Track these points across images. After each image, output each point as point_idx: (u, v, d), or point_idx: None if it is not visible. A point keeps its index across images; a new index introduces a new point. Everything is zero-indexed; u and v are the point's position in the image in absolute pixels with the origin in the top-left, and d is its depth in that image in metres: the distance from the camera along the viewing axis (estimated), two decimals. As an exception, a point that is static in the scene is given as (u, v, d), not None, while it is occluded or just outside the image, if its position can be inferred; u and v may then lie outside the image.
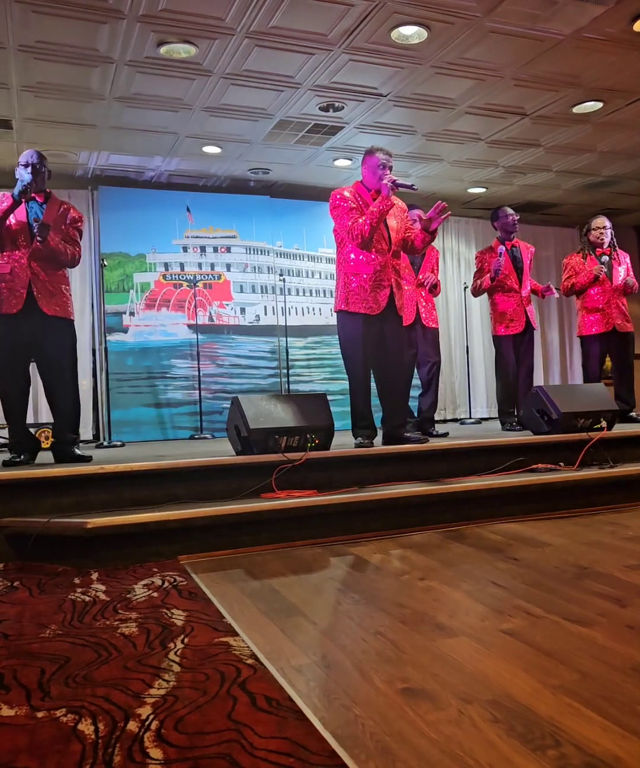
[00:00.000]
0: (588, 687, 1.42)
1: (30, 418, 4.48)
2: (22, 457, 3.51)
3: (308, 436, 3.42)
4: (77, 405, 3.67)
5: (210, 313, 6.73)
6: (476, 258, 5.35)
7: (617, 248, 5.39)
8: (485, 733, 1.25)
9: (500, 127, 5.65)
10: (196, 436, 6.17)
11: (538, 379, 7.67)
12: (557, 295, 5.46)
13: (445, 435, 4.64)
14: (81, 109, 5.03)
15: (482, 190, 7.29)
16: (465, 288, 6.79)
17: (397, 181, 3.61)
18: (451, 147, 6.07)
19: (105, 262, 5.83)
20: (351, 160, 6.28)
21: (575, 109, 5.36)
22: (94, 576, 2.55)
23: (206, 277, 6.75)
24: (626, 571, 2.29)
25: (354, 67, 4.60)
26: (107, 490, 3.04)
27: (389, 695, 1.42)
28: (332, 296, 6.06)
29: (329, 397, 3.71)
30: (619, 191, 7.47)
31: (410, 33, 4.19)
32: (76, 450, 3.60)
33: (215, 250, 6.80)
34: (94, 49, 4.23)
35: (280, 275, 6.86)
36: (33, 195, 3.57)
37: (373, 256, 3.68)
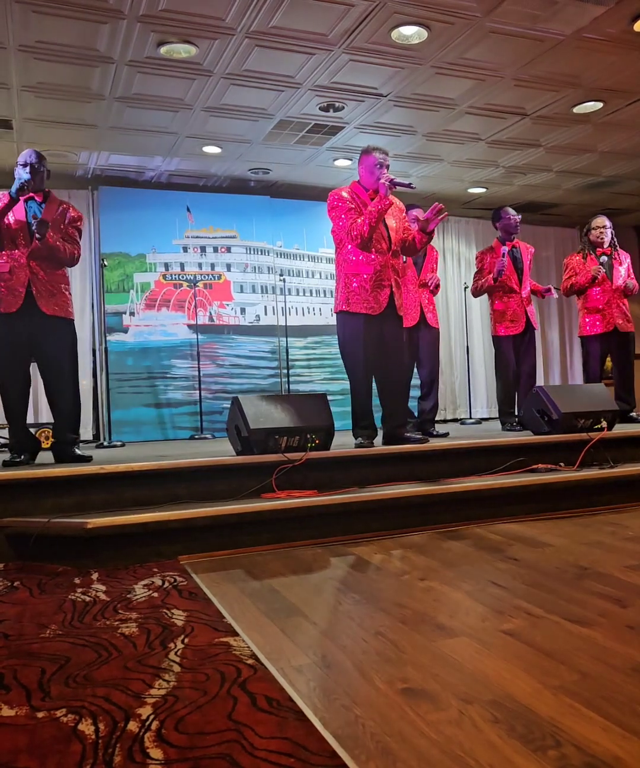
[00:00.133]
0: (588, 687, 1.42)
1: (30, 418, 4.48)
2: (22, 457, 3.51)
3: (308, 436, 3.42)
4: (78, 405, 3.67)
5: (210, 313, 6.73)
6: (476, 258, 5.35)
7: (617, 248, 5.38)
8: (485, 733, 1.24)
9: (500, 127, 5.65)
10: (196, 436, 6.17)
11: (538, 380, 7.66)
12: (556, 295, 5.46)
13: (445, 435, 4.64)
14: (81, 109, 5.03)
15: (483, 190, 7.29)
16: (465, 288, 6.79)
17: (394, 180, 3.60)
18: (451, 147, 6.07)
19: (105, 262, 5.83)
20: (351, 160, 6.27)
21: (576, 110, 5.36)
22: (95, 576, 2.55)
23: (206, 277, 6.75)
24: (626, 572, 2.29)
25: (354, 67, 4.60)
26: (108, 490, 3.04)
27: (390, 695, 1.42)
28: (331, 296, 6.05)
29: (329, 397, 3.71)
30: (619, 191, 7.47)
31: (410, 33, 4.19)
32: (77, 450, 3.60)
33: (215, 250, 6.80)
34: (94, 49, 4.24)
35: (281, 275, 6.86)
36: (32, 194, 3.58)
37: (373, 256, 3.68)
